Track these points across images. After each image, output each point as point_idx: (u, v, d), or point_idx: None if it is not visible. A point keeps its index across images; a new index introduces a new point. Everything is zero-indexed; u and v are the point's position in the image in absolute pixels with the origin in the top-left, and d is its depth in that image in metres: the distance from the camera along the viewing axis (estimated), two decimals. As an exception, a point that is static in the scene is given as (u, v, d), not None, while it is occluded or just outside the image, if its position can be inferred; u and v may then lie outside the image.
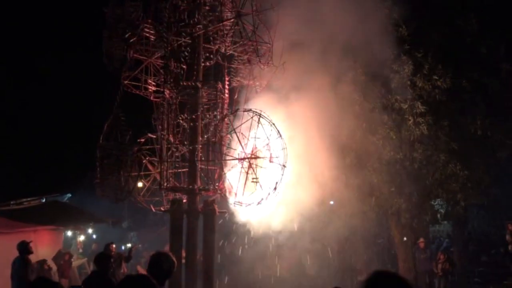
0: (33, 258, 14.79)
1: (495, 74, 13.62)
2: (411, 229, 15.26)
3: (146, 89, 10.03)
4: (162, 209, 9.91)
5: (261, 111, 8.56)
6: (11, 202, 18.06)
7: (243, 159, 8.50)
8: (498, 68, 13.52)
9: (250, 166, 8.37)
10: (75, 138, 21.45)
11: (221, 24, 9.11)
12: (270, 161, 8.47)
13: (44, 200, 19.07)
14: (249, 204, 8.64)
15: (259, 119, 8.44)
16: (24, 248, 11.27)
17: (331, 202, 16.41)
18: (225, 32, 9.02)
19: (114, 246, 13.31)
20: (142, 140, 9.90)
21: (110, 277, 7.75)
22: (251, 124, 8.50)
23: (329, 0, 11.45)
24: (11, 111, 22.77)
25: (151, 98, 9.97)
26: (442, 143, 13.56)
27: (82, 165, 21.98)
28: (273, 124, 8.57)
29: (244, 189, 8.43)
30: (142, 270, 14.93)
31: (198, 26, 9.16)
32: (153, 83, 9.86)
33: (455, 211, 15.58)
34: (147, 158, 9.88)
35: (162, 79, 9.47)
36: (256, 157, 8.49)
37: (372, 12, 12.10)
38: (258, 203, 8.63)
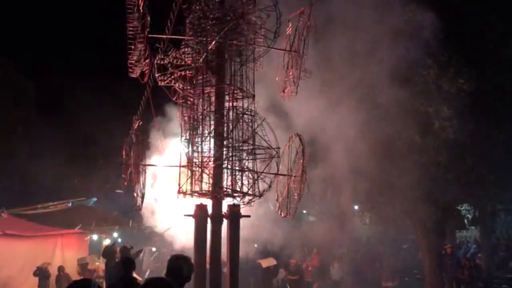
0: (59, 261, 15.06)
1: None
2: (437, 235, 15.04)
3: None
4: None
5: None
6: (38, 206, 18.42)
7: (296, 175, 8.76)
8: None
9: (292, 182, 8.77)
10: (101, 141, 21.60)
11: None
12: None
13: (70, 204, 19.41)
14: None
15: (301, 141, 8.79)
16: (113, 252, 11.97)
17: (356, 207, 16.33)
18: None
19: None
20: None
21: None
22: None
23: (352, 4, 11.42)
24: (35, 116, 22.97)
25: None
26: (468, 147, 13.35)
27: (107, 169, 22.21)
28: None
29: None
30: None
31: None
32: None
33: (482, 217, 15.34)
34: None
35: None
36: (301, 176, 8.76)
37: (395, 15, 12.01)
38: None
